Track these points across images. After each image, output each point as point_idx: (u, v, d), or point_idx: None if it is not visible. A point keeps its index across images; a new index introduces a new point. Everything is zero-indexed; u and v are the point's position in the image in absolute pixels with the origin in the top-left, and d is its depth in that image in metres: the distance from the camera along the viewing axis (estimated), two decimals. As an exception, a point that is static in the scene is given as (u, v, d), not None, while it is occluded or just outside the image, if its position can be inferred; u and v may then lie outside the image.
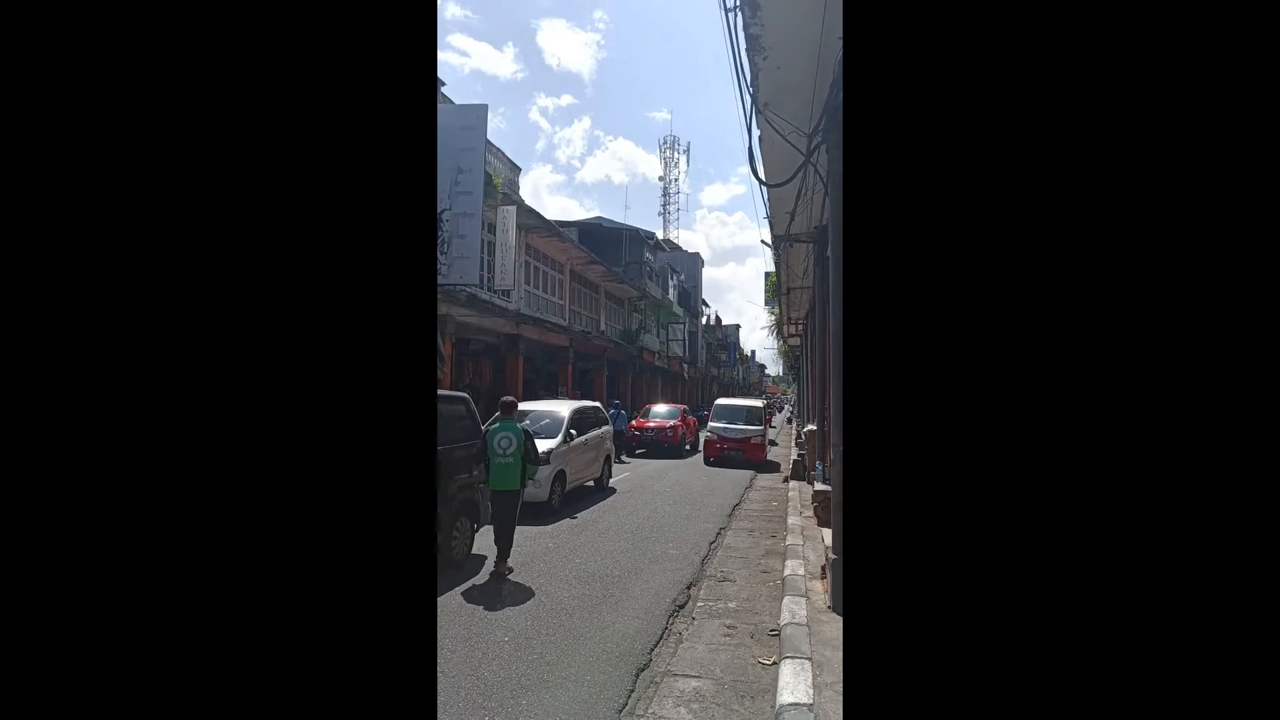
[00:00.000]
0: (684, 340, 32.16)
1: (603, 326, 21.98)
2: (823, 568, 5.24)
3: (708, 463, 13.92)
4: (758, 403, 16.33)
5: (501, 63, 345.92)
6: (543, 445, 8.01)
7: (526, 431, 5.68)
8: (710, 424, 14.67)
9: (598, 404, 11.54)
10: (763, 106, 4.76)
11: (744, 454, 13.81)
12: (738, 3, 3.80)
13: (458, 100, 12.81)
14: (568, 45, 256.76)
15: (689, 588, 5.20)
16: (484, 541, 6.13)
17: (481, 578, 5.27)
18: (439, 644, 3.84)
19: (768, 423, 16.58)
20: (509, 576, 5.29)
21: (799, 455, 11.60)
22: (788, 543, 6.39)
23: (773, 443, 18.92)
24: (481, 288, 12.84)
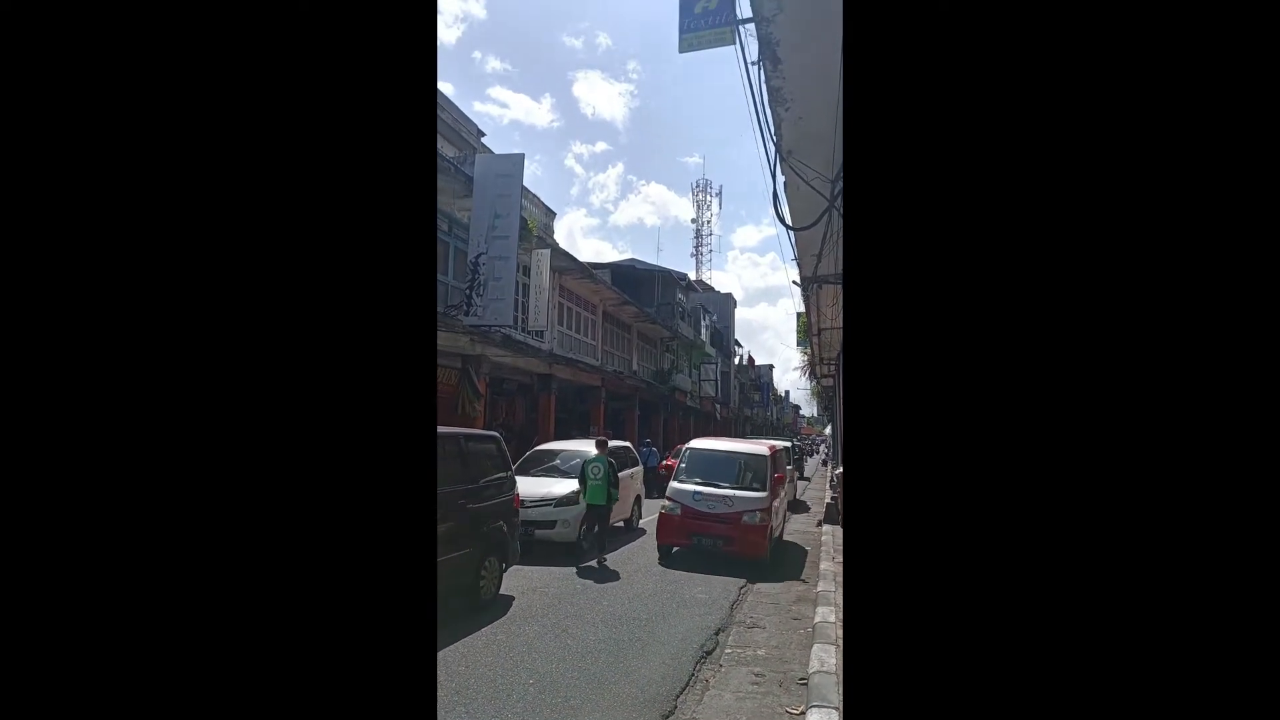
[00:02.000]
0: (716, 380, 32.09)
1: (635, 367, 22.11)
2: (854, 615, 5.09)
3: (662, 559, 7.73)
4: (761, 448, 8.78)
5: (539, 113, 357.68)
6: (569, 486, 8.00)
7: (611, 462, 7.67)
8: (672, 484, 8.10)
9: (628, 443, 11.54)
10: (786, 154, 4.88)
11: (726, 543, 7.45)
12: (759, 58, 3.95)
13: (497, 149, 13.36)
14: (602, 95, 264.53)
15: (717, 634, 5.12)
16: (511, 583, 6.14)
17: (510, 619, 5.27)
18: (463, 686, 3.85)
19: (779, 484, 8.64)
20: (606, 564, 7.30)
21: (832, 498, 11.39)
22: (819, 589, 6.26)
23: (801, 505, 14.10)
24: (516, 329, 13.11)
